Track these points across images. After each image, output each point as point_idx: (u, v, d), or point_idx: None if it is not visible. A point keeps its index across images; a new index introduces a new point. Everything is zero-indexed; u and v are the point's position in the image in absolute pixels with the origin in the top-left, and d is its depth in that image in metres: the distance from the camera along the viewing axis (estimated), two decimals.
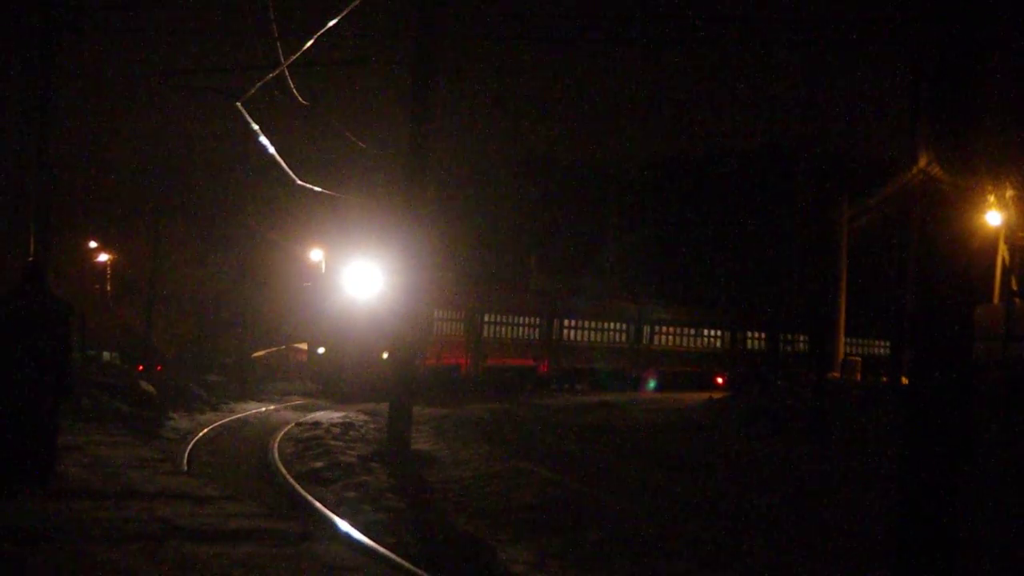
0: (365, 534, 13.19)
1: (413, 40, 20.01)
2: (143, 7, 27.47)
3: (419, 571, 11.35)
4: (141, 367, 38.25)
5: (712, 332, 55.17)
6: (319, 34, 18.22)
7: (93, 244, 46.37)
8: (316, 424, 26.15)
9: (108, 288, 47.24)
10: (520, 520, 14.29)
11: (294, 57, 18.49)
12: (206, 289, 45.99)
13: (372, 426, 25.96)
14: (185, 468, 19.19)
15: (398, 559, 11.84)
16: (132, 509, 13.18)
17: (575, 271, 54.81)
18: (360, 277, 39.58)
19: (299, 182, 23.39)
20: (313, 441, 22.62)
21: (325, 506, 15.26)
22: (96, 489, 14.63)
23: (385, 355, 36.61)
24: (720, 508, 15.03)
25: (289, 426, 26.70)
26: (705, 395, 40.35)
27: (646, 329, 51.64)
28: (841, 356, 40.21)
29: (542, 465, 18.68)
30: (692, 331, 54.35)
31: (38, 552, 10.73)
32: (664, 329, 52.79)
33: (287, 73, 19.44)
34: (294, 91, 20.15)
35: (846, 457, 19.89)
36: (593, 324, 49.40)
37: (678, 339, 53.58)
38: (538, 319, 46.35)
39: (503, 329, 45.06)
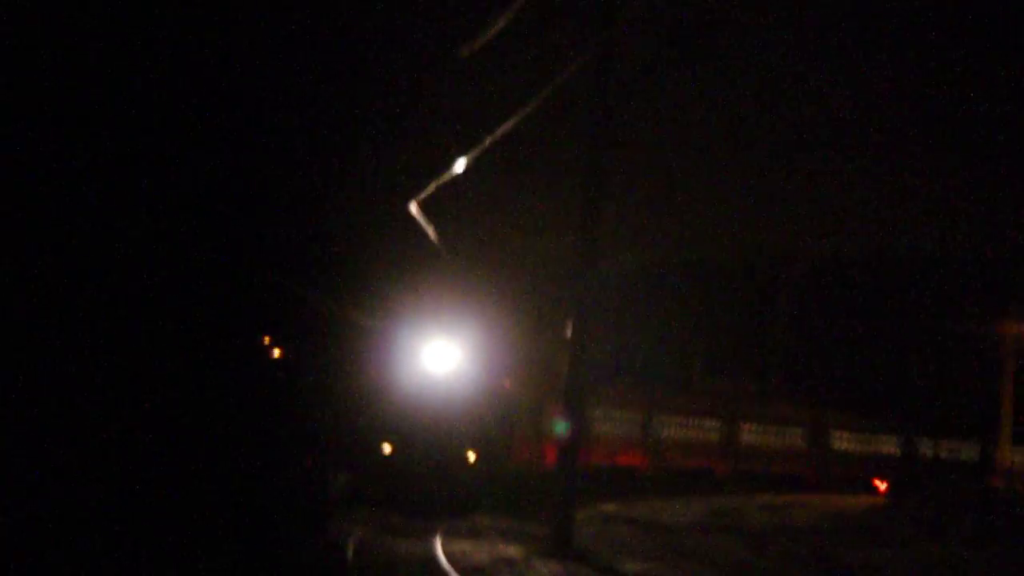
0: None
1: (586, 150, 20.41)
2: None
3: None
4: None
5: (880, 437, 55.02)
6: (478, 151, 18.65)
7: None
8: None
9: None
10: None
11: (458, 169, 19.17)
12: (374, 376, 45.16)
13: None
14: None
15: None
16: None
17: (738, 373, 54.47)
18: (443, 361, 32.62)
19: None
20: None
21: None
22: None
23: (472, 457, 32.48)
24: None
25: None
26: (865, 499, 40.34)
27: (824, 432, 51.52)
28: (1008, 464, 40.43)
29: (701, 565, 19.16)
30: (860, 436, 54.28)
31: None
32: (843, 434, 52.80)
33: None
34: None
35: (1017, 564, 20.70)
36: (771, 428, 49.12)
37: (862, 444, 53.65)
38: (717, 422, 45.93)
39: (678, 431, 44.38)
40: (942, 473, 46.50)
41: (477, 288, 30.86)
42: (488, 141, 18.67)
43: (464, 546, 21.10)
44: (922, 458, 52.17)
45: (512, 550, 20.67)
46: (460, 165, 19.13)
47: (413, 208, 20.71)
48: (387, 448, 31.54)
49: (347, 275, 38.71)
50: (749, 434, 45.23)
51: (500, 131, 18.45)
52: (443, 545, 21.01)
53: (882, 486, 47.49)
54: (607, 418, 35.49)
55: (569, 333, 19.54)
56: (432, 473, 30.40)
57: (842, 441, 50.09)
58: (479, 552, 20.17)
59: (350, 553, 19.30)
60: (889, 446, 53.07)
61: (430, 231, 22.31)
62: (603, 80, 20.20)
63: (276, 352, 44.67)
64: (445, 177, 19.45)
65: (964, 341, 44.78)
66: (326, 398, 36.71)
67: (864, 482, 48.76)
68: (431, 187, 19.64)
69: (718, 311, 55.18)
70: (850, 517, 33.03)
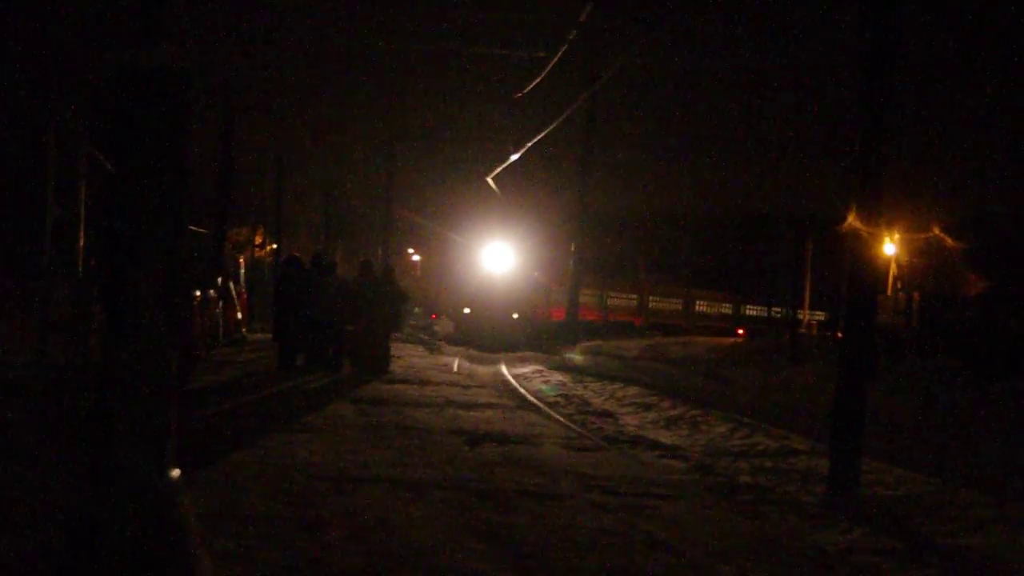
0: (551, 408, 17.65)
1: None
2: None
3: (576, 428, 14.76)
4: (434, 316, 50.37)
5: (727, 305, 75.11)
6: (529, 145, 28.86)
7: (411, 250, 63.95)
8: (524, 360, 32.62)
9: (418, 273, 62.39)
10: (629, 403, 19.91)
11: (517, 154, 29.87)
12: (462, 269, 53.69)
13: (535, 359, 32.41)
14: (455, 371, 25.28)
15: (566, 421, 15.76)
16: (427, 390, 17.44)
17: (649, 270, 73.36)
18: (500, 259, 41.76)
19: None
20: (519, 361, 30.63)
21: (527, 392, 20.83)
22: (409, 379, 19.47)
23: (515, 315, 40.74)
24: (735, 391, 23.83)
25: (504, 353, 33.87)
26: (730, 340, 53.87)
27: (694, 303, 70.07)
28: (805, 319, 57.03)
29: (650, 376, 26.78)
30: (719, 304, 74.29)
31: (379, 409, 13.95)
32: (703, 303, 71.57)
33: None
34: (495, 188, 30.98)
35: (814, 371, 28.00)
36: (664, 299, 66.66)
37: (711, 308, 73.16)
38: (636, 295, 62.69)
39: (616, 300, 59.95)
40: (770, 326, 62.38)
41: (519, 221, 40.18)
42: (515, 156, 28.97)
43: (514, 366, 29.21)
44: (750, 316, 72.49)
45: (541, 367, 28.81)
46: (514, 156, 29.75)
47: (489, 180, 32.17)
48: (468, 310, 42.22)
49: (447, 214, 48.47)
50: (653, 302, 61.39)
51: (527, 146, 28.56)
52: (505, 364, 29.02)
53: (740, 332, 62.94)
54: (583, 294, 44.65)
55: (573, 249, 31.24)
56: (494, 325, 40.50)
57: (701, 307, 69.23)
58: (523, 368, 28.32)
59: (455, 367, 26.57)
60: (727, 310, 73.48)
61: (496, 190, 33.45)
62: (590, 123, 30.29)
63: (417, 257, 58.15)
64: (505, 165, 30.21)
65: (762, 254, 61.87)
66: (440, 281, 48.25)
67: (717, 330, 65.89)
68: (499, 169, 30.92)
69: (646, 242, 74.00)
70: (723, 350, 41.61)
